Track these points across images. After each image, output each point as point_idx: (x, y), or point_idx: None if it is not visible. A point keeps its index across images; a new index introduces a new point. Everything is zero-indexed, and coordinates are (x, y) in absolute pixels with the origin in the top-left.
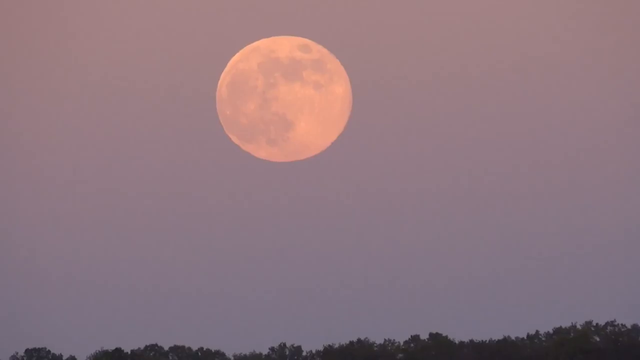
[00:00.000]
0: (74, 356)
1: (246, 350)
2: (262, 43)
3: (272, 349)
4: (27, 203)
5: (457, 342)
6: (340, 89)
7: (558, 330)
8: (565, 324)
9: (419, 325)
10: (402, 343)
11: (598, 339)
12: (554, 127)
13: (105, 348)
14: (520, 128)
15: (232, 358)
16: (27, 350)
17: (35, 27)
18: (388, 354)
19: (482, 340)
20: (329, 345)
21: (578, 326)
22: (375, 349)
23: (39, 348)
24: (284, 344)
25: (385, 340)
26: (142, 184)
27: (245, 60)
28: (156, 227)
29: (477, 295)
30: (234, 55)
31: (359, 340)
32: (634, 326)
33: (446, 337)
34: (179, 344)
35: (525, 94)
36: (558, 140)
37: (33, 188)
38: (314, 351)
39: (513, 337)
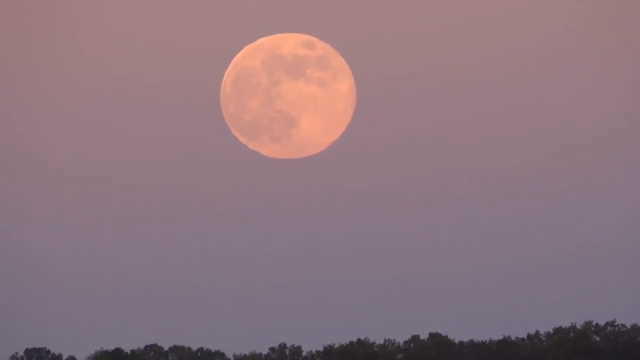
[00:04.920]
0: (73, 356)
1: (246, 350)
2: (266, 40)
3: (272, 349)
4: (26, 202)
5: (457, 342)
6: (344, 86)
7: (558, 330)
8: (565, 324)
9: (419, 325)
10: (402, 343)
11: (598, 339)
12: (564, 126)
13: (105, 348)
14: (527, 126)
15: (232, 358)
16: (27, 350)
17: (42, 25)
18: (388, 354)
19: (482, 341)
20: (329, 345)
21: (578, 326)
22: (375, 349)
23: (38, 348)
24: (284, 344)
25: (385, 340)
26: (142, 183)
27: (250, 57)
28: (156, 226)
29: (477, 296)
30: (238, 52)
31: (359, 340)
32: (634, 326)
33: (446, 337)
34: (179, 344)
35: (531, 92)
36: (562, 140)
37: (33, 187)
38: (314, 351)
39: (513, 337)
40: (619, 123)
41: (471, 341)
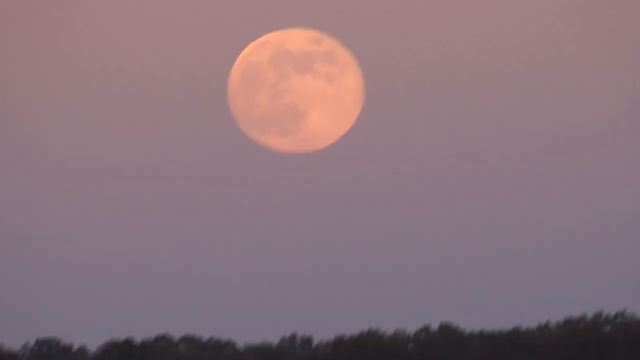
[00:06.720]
0: (84, 346)
1: (257, 340)
2: (273, 36)
3: (283, 339)
4: (34, 191)
5: (467, 332)
6: (351, 81)
7: (568, 321)
8: (576, 314)
9: (430, 316)
10: (412, 333)
11: (609, 329)
12: (571, 117)
13: (115, 338)
14: (537, 118)
15: (242, 348)
16: (37, 341)
17: (48, 17)
18: (398, 343)
19: (492, 331)
20: (340, 335)
21: (588, 316)
22: (386, 339)
23: (49, 338)
24: (295, 334)
25: (395, 330)
26: (152, 177)
27: (257, 52)
28: (167, 219)
29: (488, 286)
30: (245, 47)
31: (369, 330)
32: None
33: (457, 327)
34: (189, 333)
35: (536, 86)
36: (570, 131)
37: (40, 177)
38: (324, 341)
39: (523, 328)
40: (623, 113)
41: (481, 331)
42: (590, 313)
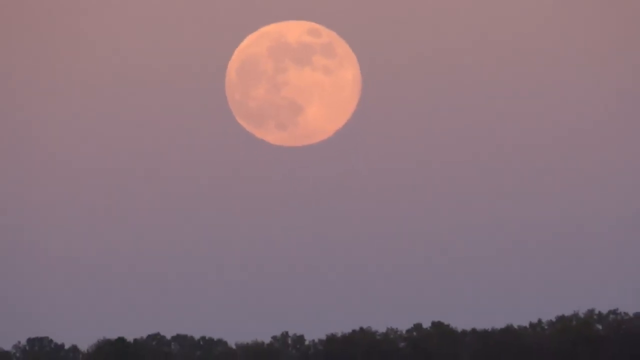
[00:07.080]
0: (76, 345)
1: (249, 339)
2: (272, 27)
3: (274, 337)
4: (28, 190)
5: (459, 330)
6: (349, 74)
7: (560, 319)
8: (568, 312)
9: (422, 314)
10: (404, 332)
11: (600, 328)
12: (571, 115)
13: (107, 337)
14: (533, 115)
15: (234, 347)
16: (29, 340)
17: (46, 13)
18: (390, 342)
19: (484, 329)
20: (332, 334)
21: (580, 314)
22: (378, 337)
23: (41, 337)
24: (287, 333)
25: (387, 328)
26: (147, 172)
27: (255, 44)
28: (160, 216)
29: (480, 284)
30: (243, 40)
31: (361, 328)
32: (637, 315)
33: (448, 325)
34: (182, 332)
35: (537, 83)
36: (564, 129)
37: (34, 175)
38: (316, 340)
39: (515, 326)
40: (622, 112)
41: (474, 330)
42: (582, 311)
